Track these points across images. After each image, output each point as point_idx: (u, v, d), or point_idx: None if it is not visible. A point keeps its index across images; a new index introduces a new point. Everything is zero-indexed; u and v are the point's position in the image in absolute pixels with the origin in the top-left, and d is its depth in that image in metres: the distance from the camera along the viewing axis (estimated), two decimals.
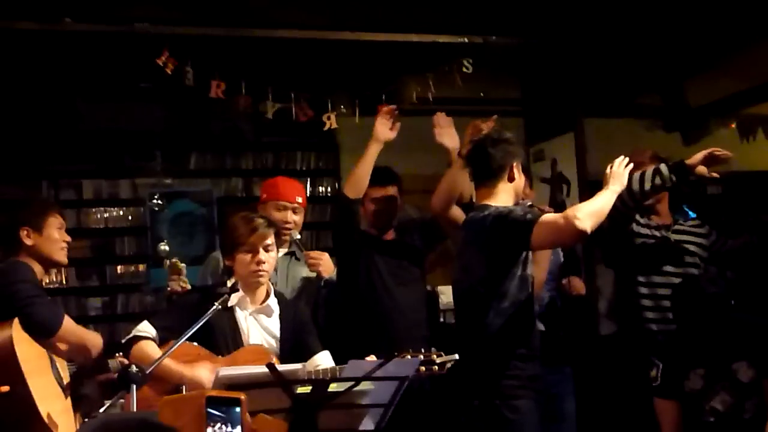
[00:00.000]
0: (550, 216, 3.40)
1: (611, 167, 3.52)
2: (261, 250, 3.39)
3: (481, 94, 6.60)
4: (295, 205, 4.16)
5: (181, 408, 2.10)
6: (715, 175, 3.88)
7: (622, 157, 3.55)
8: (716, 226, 4.46)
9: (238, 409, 1.69)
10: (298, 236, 4.12)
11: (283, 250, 4.14)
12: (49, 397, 3.22)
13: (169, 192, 6.79)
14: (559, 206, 5.64)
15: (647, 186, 3.82)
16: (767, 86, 6.40)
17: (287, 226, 4.10)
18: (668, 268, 4.11)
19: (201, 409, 1.69)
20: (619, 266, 4.35)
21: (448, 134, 4.23)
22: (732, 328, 3.56)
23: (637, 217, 4.17)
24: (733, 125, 7.06)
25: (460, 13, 5.58)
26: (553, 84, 6.41)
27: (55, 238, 3.62)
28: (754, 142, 6.84)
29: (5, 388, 3.04)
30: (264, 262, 3.39)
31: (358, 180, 4.16)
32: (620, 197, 3.54)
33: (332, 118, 5.13)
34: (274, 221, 3.91)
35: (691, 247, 4.18)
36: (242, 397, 1.68)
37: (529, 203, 4.25)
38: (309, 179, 7.57)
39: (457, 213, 4.03)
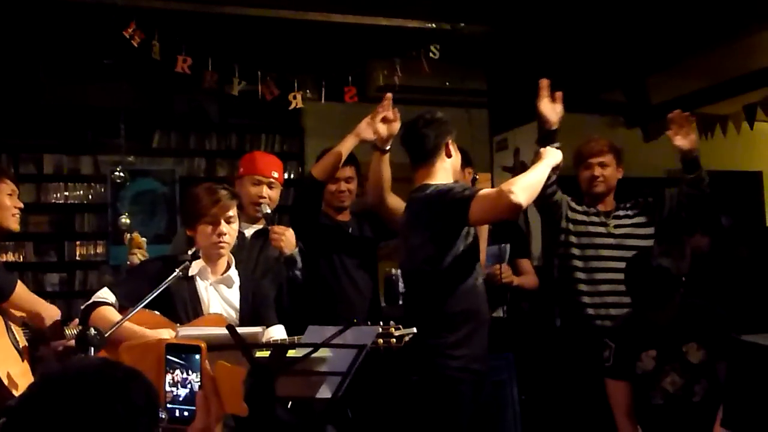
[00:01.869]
0: (486, 191, 3.43)
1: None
2: (223, 221, 3.39)
3: (447, 84, 6.65)
4: (271, 179, 4.15)
5: (141, 354, 2.12)
6: (681, 143, 4.08)
7: None
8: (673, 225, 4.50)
9: (197, 356, 1.70)
10: (268, 210, 4.12)
11: (256, 227, 4.14)
12: (7, 359, 3.21)
13: (132, 170, 6.76)
14: None
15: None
16: (727, 85, 6.50)
17: (260, 200, 4.09)
18: (605, 253, 4.15)
19: (160, 355, 1.70)
20: (557, 255, 4.37)
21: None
22: (683, 309, 3.63)
23: (575, 204, 4.23)
24: (693, 123, 7.14)
25: None
26: (517, 75, 6.46)
27: (5, 204, 3.57)
28: (713, 141, 6.94)
29: None
30: (225, 234, 3.38)
31: (329, 165, 4.15)
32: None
33: (298, 97, 5.14)
34: (248, 194, 3.92)
35: (630, 230, 4.21)
36: (202, 344, 1.69)
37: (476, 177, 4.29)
38: None
39: (395, 201, 4.08)
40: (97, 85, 6.76)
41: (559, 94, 3.99)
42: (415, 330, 3.23)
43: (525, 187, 3.32)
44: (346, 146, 4.18)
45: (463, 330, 3.49)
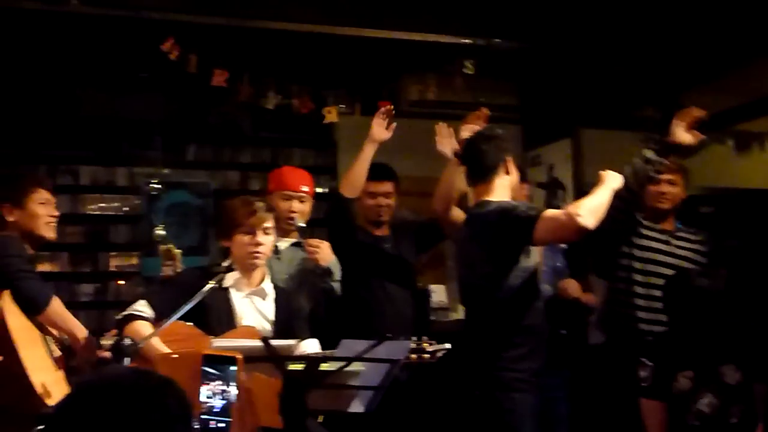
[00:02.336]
0: (553, 212, 3.42)
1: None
2: (259, 231, 3.41)
3: (480, 99, 6.63)
4: (301, 194, 4.17)
5: (178, 365, 2.13)
6: (701, 136, 3.98)
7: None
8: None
9: (233, 368, 1.70)
10: (302, 224, 4.14)
11: (290, 240, 4.15)
12: (42, 368, 3.23)
13: (166, 182, 6.79)
14: None
15: (641, 174, 3.86)
16: (763, 101, 6.44)
17: (292, 215, 4.11)
18: (664, 271, 4.11)
19: (197, 366, 1.71)
20: (616, 272, 4.33)
21: (449, 144, 4.27)
22: (721, 330, 3.58)
23: (642, 219, 4.20)
24: (730, 140, 7.10)
25: (463, 14, 5.62)
26: (551, 91, 6.45)
27: (38, 213, 3.59)
28: (749, 158, 6.87)
29: None
30: (262, 244, 3.41)
31: (354, 179, 4.19)
32: (619, 196, 3.58)
33: (333, 111, 5.17)
34: (279, 209, 3.93)
35: (689, 254, 4.20)
36: (238, 356, 1.69)
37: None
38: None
39: (458, 214, 4.07)
40: (133, 98, 6.81)
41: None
42: (448, 346, 3.22)
43: (592, 210, 3.29)
44: (366, 155, 4.19)
45: (525, 346, 3.48)
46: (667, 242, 4.20)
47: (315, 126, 5.55)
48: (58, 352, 3.43)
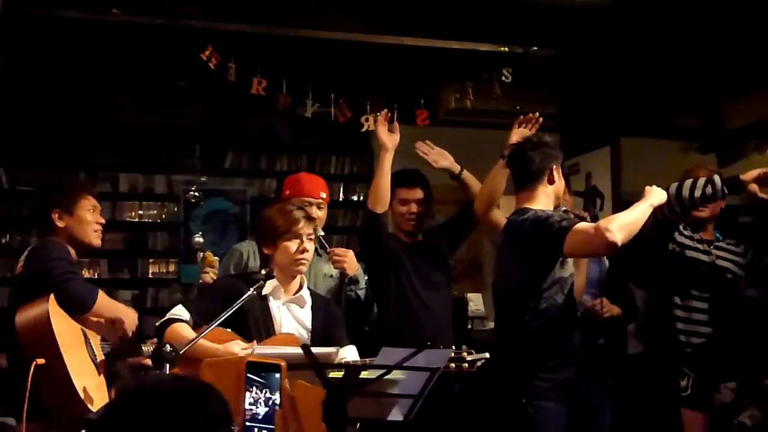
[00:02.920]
0: (583, 225, 3.37)
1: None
2: (305, 238, 3.43)
3: (518, 107, 6.61)
4: (319, 200, 4.18)
5: (222, 371, 2.14)
6: (762, 196, 3.77)
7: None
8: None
9: (277, 375, 1.71)
10: (322, 232, 4.15)
11: None
12: (84, 372, 3.27)
13: (204, 189, 6.84)
14: (592, 220, 5.64)
15: (697, 193, 3.77)
16: None
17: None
18: (705, 282, 4.05)
19: (241, 373, 1.71)
20: (655, 281, 4.28)
21: (440, 155, 4.30)
22: (765, 342, 3.53)
23: (682, 228, 4.13)
24: None
25: (501, 22, 5.60)
26: (590, 99, 6.41)
27: (87, 219, 3.64)
28: None
29: (41, 361, 3.08)
30: (308, 251, 3.43)
31: (380, 193, 4.18)
32: (661, 209, 3.54)
33: (370, 120, 5.15)
34: None
35: (729, 265, 4.15)
36: (282, 363, 1.70)
37: (564, 208, 4.24)
38: (342, 184, 7.63)
39: (499, 216, 4.05)
40: (171, 106, 6.88)
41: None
42: (487, 355, 3.21)
43: (623, 226, 3.24)
44: (385, 166, 4.18)
45: (555, 356, 3.46)
46: (707, 252, 4.13)
47: (352, 134, 5.55)
48: (101, 356, 3.46)
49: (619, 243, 3.21)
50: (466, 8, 5.47)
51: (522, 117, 4.23)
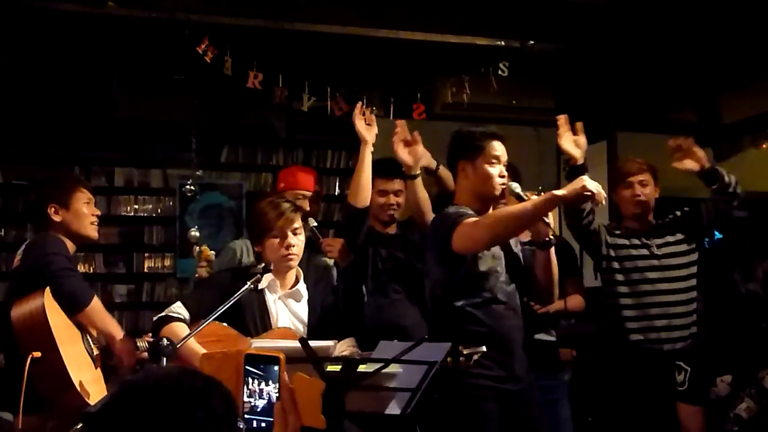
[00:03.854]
0: (468, 220, 3.32)
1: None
2: (290, 233, 3.41)
3: (514, 102, 6.62)
4: (311, 192, 4.19)
5: (220, 364, 2.13)
6: (678, 165, 3.97)
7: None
8: (741, 250, 4.39)
9: (276, 368, 1.69)
10: (315, 223, 4.14)
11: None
12: (81, 365, 3.26)
13: (200, 183, 6.83)
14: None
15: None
16: None
17: (307, 214, 4.12)
18: (651, 275, 4.04)
19: (239, 365, 1.70)
20: (602, 281, 4.22)
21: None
22: (760, 335, 3.53)
23: (610, 229, 4.12)
24: (765, 144, 7.03)
25: (498, 17, 5.60)
26: (586, 93, 6.41)
27: (83, 213, 3.62)
28: None
29: (37, 354, 3.07)
30: (293, 246, 3.40)
31: (361, 187, 4.09)
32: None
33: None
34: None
35: (673, 248, 4.10)
36: (281, 356, 1.69)
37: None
38: (338, 178, 7.62)
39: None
40: (167, 100, 6.87)
41: (579, 125, 3.77)
42: (484, 348, 3.19)
43: (492, 224, 3.26)
44: (365, 160, 4.11)
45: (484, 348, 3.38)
46: (646, 245, 4.08)
47: (348, 128, 5.53)
48: (97, 350, 3.45)
49: (485, 238, 3.25)
50: (463, 2, 5.47)
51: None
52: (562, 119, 3.76)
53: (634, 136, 6.87)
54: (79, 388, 3.15)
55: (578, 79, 6.44)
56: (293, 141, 7.66)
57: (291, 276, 3.50)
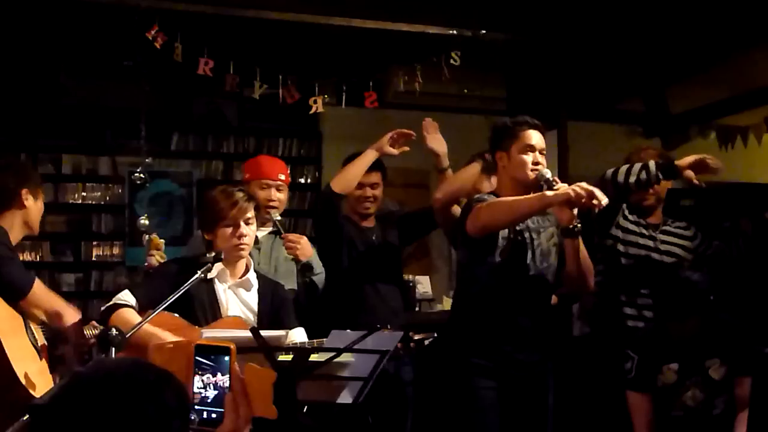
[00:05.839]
0: (481, 204, 3.47)
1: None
2: (242, 223, 3.38)
3: (466, 90, 6.64)
4: (279, 182, 4.15)
5: (171, 355, 2.11)
6: (698, 183, 3.79)
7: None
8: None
9: (227, 358, 1.68)
10: (279, 217, 4.12)
11: (266, 230, 4.13)
12: (25, 358, 3.20)
13: (150, 171, 6.74)
14: None
15: (632, 179, 3.81)
16: (748, 96, 6.47)
17: (272, 204, 4.08)
18: (651, 266, 4.06)
19: (190, 356, 1.69)
20: (600, 263, 4.29)
21: (436, 139, 4.27)
22: (708, 324, 3.60)
23: (627, 213, 4.12)
24: (713, 134, 7.14)
25: (450, 5, 5.60)
26: (537, 83, 6.45)
27: (41, 208, 3.64)
28: (732, 152, 6.91)
29: None
30: (245, 236, 3.38)
31: (349, 180, 4.19)
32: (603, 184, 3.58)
33: (318, 102, 5.13)
34: (257, 199, 3.90)
35: (676, 249, 4.15)
36: (232, 346, 1.68)
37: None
38: (290, 166, 7.55)
39: (456, 211, 4.07)
40: (116, 86, 6.76)
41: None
42: (435, 335, 3.22)
43: (492, 211, 3.39)
44: (367, 160, 4.19)
45: (486, 333, 3.47)
46: (651, 237, 4.13)
47: (300, 116, 5.53)
48: (42, 341, 3.40)
49: (489, 221, 3.38)
50: None
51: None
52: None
53: (584, 126, 6.95)
54: (24, 381, 3.09)
55: (529, 68, 6.48)
56: (244, 129, 7.61)
57: (241, 265, 3.47)
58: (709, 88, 6.73)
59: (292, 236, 4.07)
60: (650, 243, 4.10)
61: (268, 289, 3.53)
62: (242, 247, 3.40)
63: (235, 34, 5.55)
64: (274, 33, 5.68)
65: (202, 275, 3.15)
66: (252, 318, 3.42)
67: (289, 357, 2.60)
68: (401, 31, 5.59)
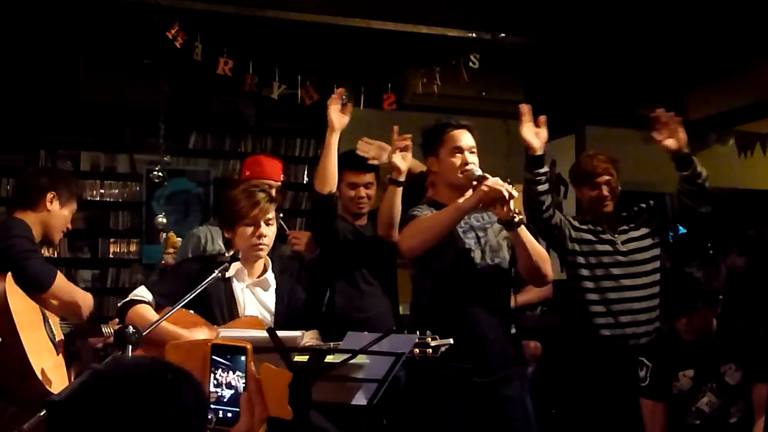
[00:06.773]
0: (410, 224, 3.54)
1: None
2: (262, 224, 3.40)
3: (484, 93, 6.63)
4: (279, 183, 4.17)
5: (187, 354, 2.12)
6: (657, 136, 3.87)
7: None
8: (706, 244, 4.41)
9: (243, 358, 1.69)
10: (281, 214, 4.12)
11: None
12: (42, 351, 3.22)
13: (167, 169, 6.75)
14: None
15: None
16: (766, 103, 6.44)
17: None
18: (616, 271, 3.98)
19: (206, 355, 1.70)
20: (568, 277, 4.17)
21: (381, 150, 4.14)
22: (722, 330, 3.58)
23: (575, 222, 4.06)
24: (732, 140, 7.11)
25: (470, 8, 5.60)
26: (556, 87, 6.44)
27: (66, 218, 3.67)
28: (751, 159, 6.87)
29: None
30: (265, 236, 3.40)
31: (326, 174, 3.97)
32: None
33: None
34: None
35: (636, 244, 4.04)
36: (248, 346, 1.69)
37: None
38: (307, 166, 7.60)
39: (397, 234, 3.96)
40: (136, 85, 6.79)
41: (542, 119, 3.76)
42: (452, 341, 3.21)
43: (413, 233, 3.47)
44: (331, 146, 3.99)
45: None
46: (612, 241, 4.01)
47: (317, 117, 5.50)
48: (60, 336, 3.42)
49: (409, 247, 3.49)
50: None
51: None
52: (524, 108, 3.76)
53: (602, 130, 6.93)
54: (40, 376, 3.12)
55: (548, 72, 6.46)
56: (262, 128, 7.63)
57: (259, 265, 3.49)
58: (728, 95, 6.69)
59: (296, 233, 4.08)
60: (610, 248, 4.00)
61: (286, 289, 3.54)
62: (261, 247, 3.42)
63: (254, 35, 5.57)
64: (294, 34, 5.69)
65: (219, 275, 3.16)
66: (269, 318, 3.43)
67: (304, 358, 2.60)
68: (420, 34, 5.60)
